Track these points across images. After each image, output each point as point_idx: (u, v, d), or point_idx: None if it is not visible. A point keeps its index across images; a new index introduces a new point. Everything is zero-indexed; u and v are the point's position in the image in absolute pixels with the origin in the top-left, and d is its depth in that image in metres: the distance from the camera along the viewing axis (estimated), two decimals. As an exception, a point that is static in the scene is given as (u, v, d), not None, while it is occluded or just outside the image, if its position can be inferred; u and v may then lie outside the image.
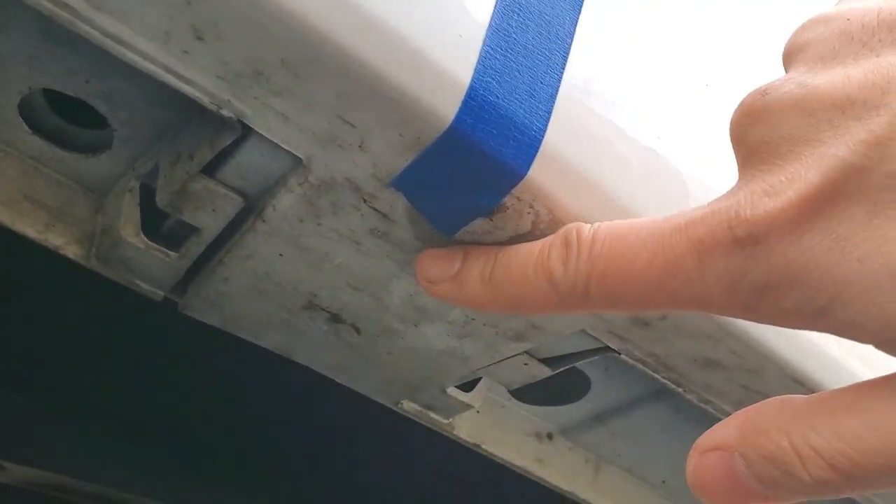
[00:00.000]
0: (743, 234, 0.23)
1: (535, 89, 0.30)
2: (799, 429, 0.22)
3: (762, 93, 0.24)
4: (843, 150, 0.22)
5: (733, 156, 0.26)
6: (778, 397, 0.24)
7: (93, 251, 0.41)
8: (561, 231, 0.29)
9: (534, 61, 0.30)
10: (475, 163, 0.30)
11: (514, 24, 0.30)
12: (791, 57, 0.26)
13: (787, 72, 0.25)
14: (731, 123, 0.25)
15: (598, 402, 0.56)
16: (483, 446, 0.56)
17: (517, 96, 0.30)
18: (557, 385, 0.49)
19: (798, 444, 0.22)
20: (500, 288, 0.31)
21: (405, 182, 0.32)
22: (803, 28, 0.26)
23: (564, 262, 0.28)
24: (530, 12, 0.31)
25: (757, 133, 0.24)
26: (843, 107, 0.22)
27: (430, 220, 0.34)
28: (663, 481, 0.62)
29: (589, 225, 0.28)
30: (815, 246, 0.22)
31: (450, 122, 0.29)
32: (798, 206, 0.22)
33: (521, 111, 0.30)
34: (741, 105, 0.25)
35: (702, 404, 0.42)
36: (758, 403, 0.24)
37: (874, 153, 0.21)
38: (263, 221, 0.35)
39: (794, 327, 0.24)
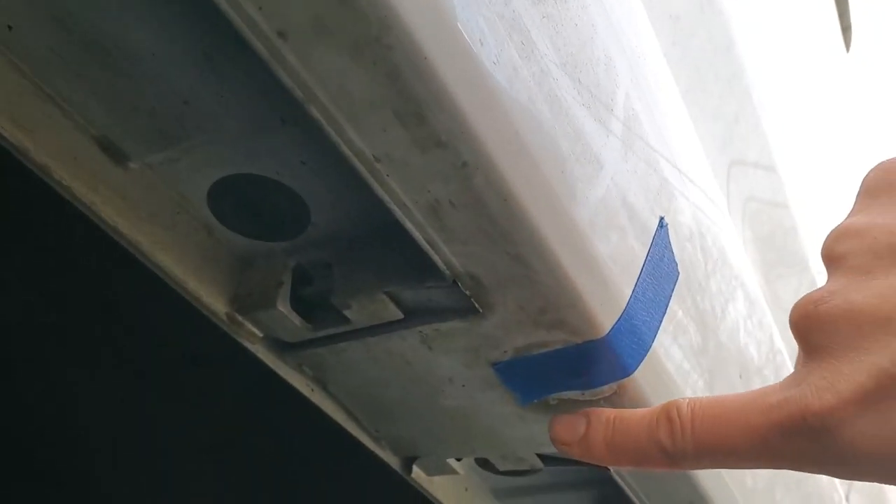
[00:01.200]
0: (815, 424, 0.30)
1: (652, 318, 0.43)
2: None
3: (815, 302, 0.31)
4: (886, 362, 0.28)
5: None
6: None
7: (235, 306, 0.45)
8: (663, 408, 0.36)
9: (655, 299, 0.43)
10: (605, 366, 0.42)
11: (653, 271, 0.43)
12: (831, 264, 0.32)
13: (828, 273, 0.32)
14: (791, 322, 0.32)
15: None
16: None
17: (646, 320, 0.42)
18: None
19: None
20: (620, 452, 0.38)
21: (512, 368, 0.44)
22: (837, 237, 0.33)
23: (671, 437, 0.35)
24: (659, 271, 0.43)
25: (814, 336, 0.31)
26: (883, 324, 0.29)
27: (517, 394, 0.45)
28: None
29: (685, 401, 0.35)
30: (873, 433, 0.29)
31: (605, 332, 0.40)
32: (854, 401, 0.29)
33: (647, 331, 0.43)
34: (797, 308, 0.32)
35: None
36: None
37: None
38: (403, 339, 0.44)
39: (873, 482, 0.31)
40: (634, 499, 0.54)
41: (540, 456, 0.55)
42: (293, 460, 0.59)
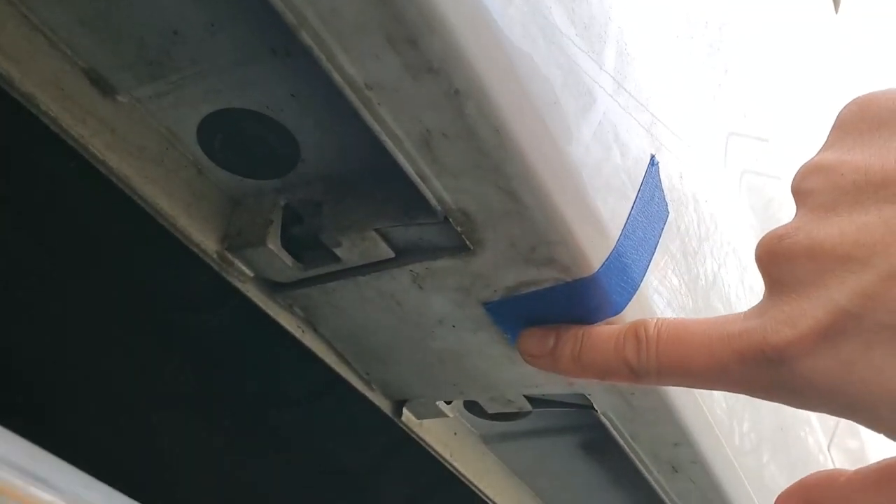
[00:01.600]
0: (772, 355, 0.31)
1: (641, 257, 0.43)
2: None
3: (779, 237, 0.32)
4: (843, 299, 0.29)
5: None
6: (826, 472, 0.35)
7: (225, 245, 0.45)
8: (631, 326, 0.38)
9: (645, 238, 0.43)
10: (594, 304, 0.41)
11: (643, 209, 0.43)
12: (798, 198, 0.33)
13: (796, 207, 0.33)
14: (756, 257, 0.33)
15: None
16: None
17: (635, 258, 0.42)
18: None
19: None
20: (587, 365, 0.40)
21: (503, 308, 0.43)
22: (806, 173, 0.33)
23: (637, 354, 0.37)
24: (649, 210, 0.44)
25: (777, 271, 0.32)
26: (842, 261, 0.29)
27: (508, 334, 0.45)
28: None
29: (653, 321, 0.37)
30: (827, 367, 0.29)
31: (595, 270, 0.40)
32: (811, 336, 0.30)
33: (637, 270, 0.43)
34: (763, 244, 0.33)
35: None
36: (813, 475, 0.36)
37: (866, 304, 0.28)
38: (393, 278, 0.44)
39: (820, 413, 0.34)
40: (620, 440, 0.55)
41: (528, 399, 0.55)
42: (283, 403, 0.59)
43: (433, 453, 0.60)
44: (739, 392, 0.34)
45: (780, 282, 0.31)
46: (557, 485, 0.70)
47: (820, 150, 0.34)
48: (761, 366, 0.31)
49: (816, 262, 0.30)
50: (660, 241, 0.45)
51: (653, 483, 0.60)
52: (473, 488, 0.63)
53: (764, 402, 0.66)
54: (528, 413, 0.60)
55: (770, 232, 0.33)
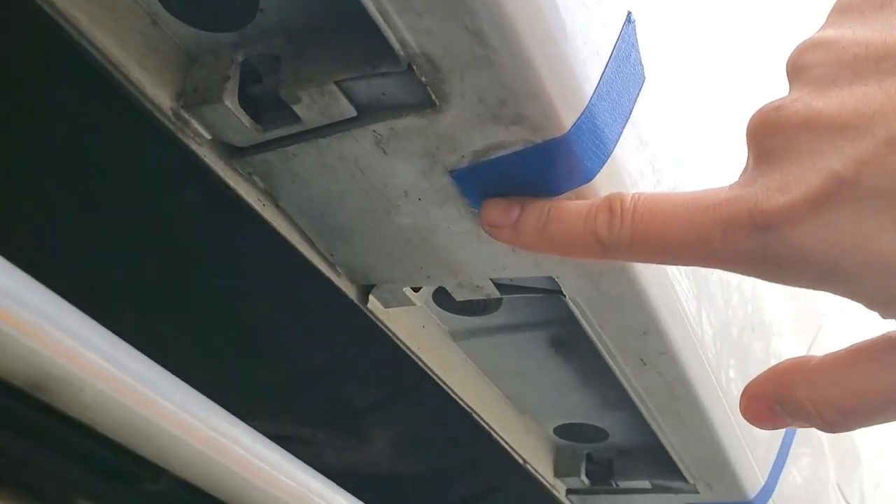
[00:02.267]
0: (762, 222, 0.30)
1: (615, 121, 0.42)
2: (806, 390, 0.33)
3: (776, 108, 0.31)
4: (838, 165, 0.28)
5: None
6: (797, 358, 0.34)
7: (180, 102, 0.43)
8: (606, 198, 0.37)
9: (619, 101, 0.41)
10: (565, 169, 0.40)
11: (619, 69, 0.41)
12: (795, 73, 0.32)
13: (790, 85, 0.32)
14: (749, 128, 0.32)
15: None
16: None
17: (609, 122, 0.41)
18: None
19: (804, 401, 0.33)
20: (552, 238, 0.39)
21: (471, 176, 0.42)
22: (804, 49, 0.32)
23: (609, 227, 0.36)
24: (624, 71, 0.42)
25: (770, 141, 0.31)
26: (840, 129, 0.29)
27: (476, 206, 0.44)
28: None
29: (630, 195, 0.36)
30: (816, 234, 0.29)
31: (566, 129, 0.38)
32: (803, 203, 0.29)
33: (610, 135, 0.41)
34: (758, 115, 0.32)
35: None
36: (783, 362, 0.35)
37: (861, 169, 0.28)
38: (356, 140, 0.42)
39: (798, 287, 0.32)
40: (589, 330, 0.54)
41: (497, 287, 0.54)
42: (243, 290, 0.57)
43: (400, 345, 0.59)
44: (717, 266, 0.34)
45: (771, 152, 0.31)
46: (525, 384, 0.69)
47: (819, 30, 0.33)
48: (748, 234, 0.31)
49: (813, 132, 0.30)
50: (634, 107, 0.43)
51: (621, 378, 0.60)
52: (441, 383, 0.62)
53: (738, 294, 0.65)
54: (498, 302, 0.59)
55: (766, 104, 0.32)
